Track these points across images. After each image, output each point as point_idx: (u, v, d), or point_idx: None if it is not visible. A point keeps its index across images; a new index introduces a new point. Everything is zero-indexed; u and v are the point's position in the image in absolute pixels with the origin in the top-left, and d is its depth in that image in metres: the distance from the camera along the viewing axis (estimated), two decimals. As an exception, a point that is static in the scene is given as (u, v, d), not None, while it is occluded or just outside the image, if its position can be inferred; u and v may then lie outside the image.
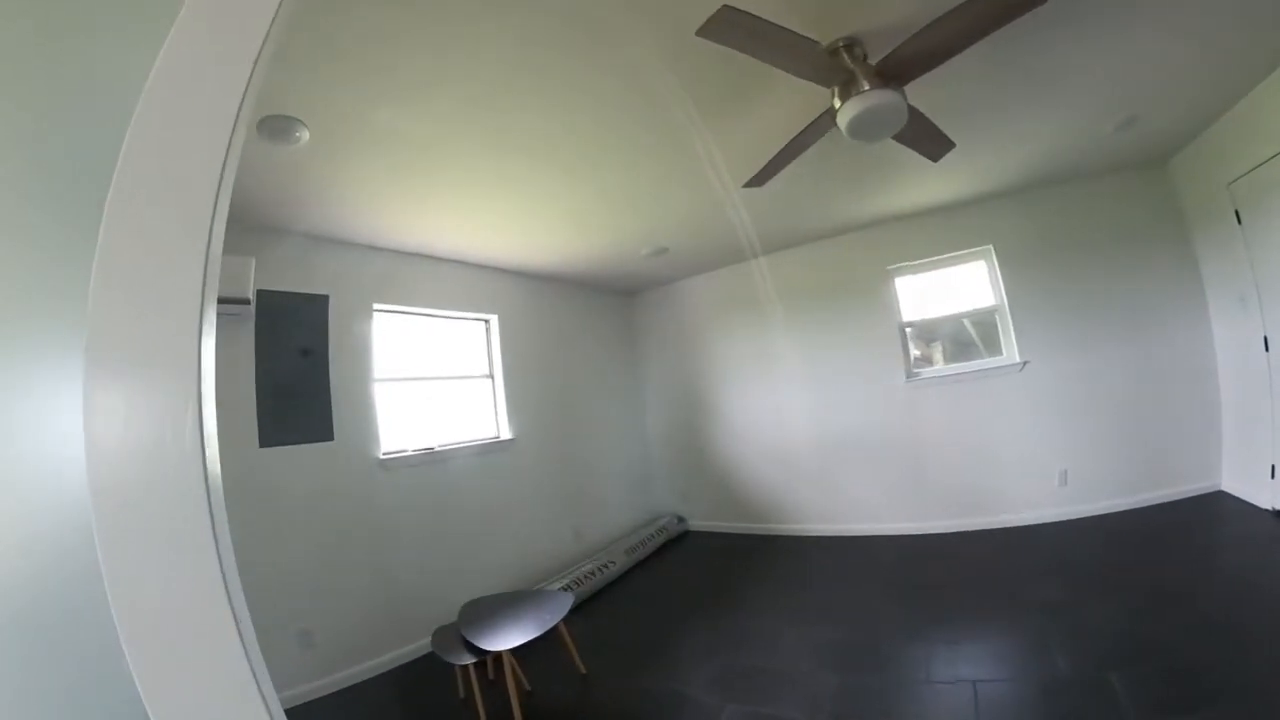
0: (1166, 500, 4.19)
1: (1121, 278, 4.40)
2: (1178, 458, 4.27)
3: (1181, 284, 4.32)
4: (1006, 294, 4.62)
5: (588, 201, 3.52)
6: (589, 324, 5.53)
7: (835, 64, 2.07)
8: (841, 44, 2.23)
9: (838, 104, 2.21)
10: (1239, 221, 3.74)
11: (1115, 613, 2.83)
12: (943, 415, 4.69)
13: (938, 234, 4.81)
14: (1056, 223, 4.54)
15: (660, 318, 6.01)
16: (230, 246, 2.35)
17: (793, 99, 2.54)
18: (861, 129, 2.23)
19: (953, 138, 2.81)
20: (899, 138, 2.56)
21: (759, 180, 2.83)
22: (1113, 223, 4.45)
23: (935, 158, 2.91)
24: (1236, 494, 4.05)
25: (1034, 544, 4.00)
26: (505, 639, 2.49)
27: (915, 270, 4.99)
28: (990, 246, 4.69)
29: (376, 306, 3.64)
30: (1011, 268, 4.62)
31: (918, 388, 4.79)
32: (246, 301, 2.86)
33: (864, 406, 4.89)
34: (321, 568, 3.12)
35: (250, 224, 3.06)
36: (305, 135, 2.35)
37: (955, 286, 4.90)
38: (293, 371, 3.24)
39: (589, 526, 4.83)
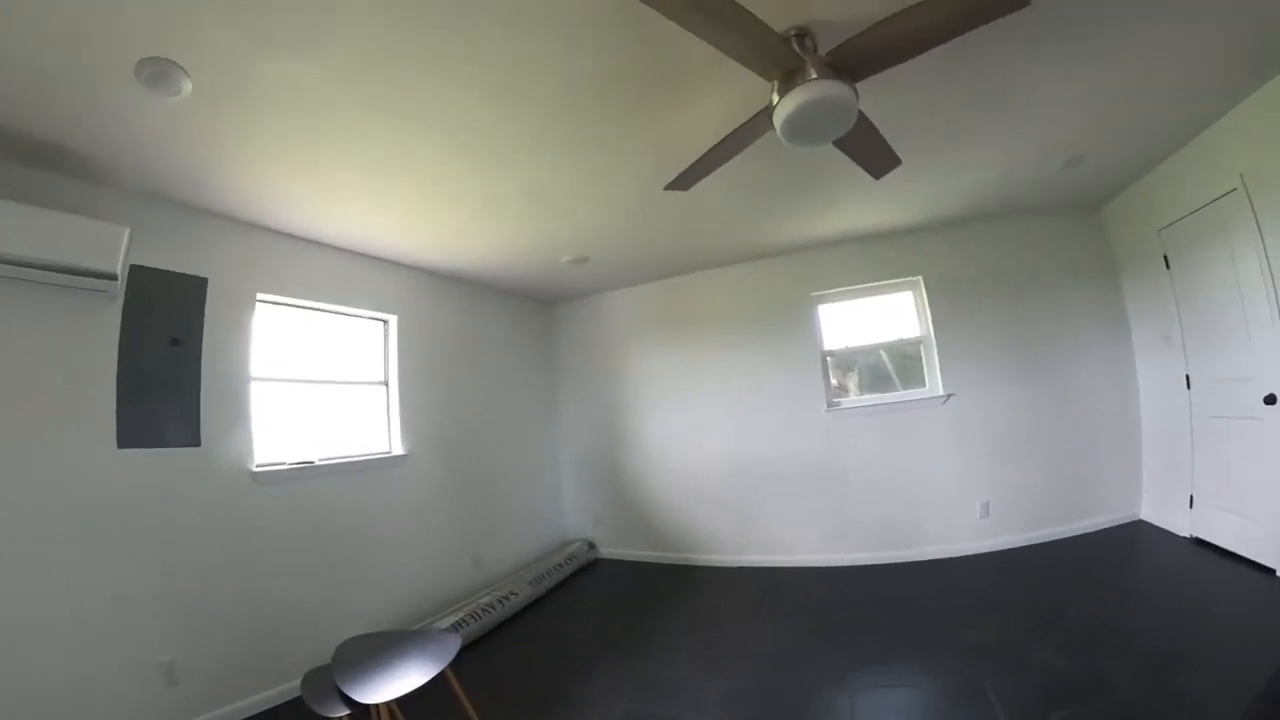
0: (1088, 530, 4.30)
1: (1050, 315, 4.51)
2: (1099, 489, 4.40)
3: (1108, 323, 4.50)
4: (933, 326, 4.61)
5: (504, 196, 3.15)
6: (500, 332, 5.09)
7: (782, 50, 1.83)
8: (792, 33, 2.01)
9: (776, 99, 1.96)
10: (1167, 266, 3.96)
11: (1050, 649, 2.74)
12: (864, 445, 4.58)
13: (866, 262, 4.76)
14: (988, 258, 4.58)
15: (578, 331, 5.66)
16: (105, 211, 1.88)
17: (732, 95, 2.33)
18: (803, 125, 1.97)
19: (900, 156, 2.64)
20: (842, 145, 2.36)
21: (683, 183, 2.55)
22: (1044, 261, 4.56)
23: (878, 174, 2.73)
24: (1155, 523, 4.22)
25: (959, 577, 3.92)
26: (382, 688, 2.12)
27: (840, 298, 4.92)
28: (919, 278, 4.68)
29: (260, 296, 3.18)
30: (940, 300, 4.62)
31: (839, 417, 4.68)
32: (113, 277, 2.43)
33: (784, 435, 4.74)
34: (184, 591, 2.67)
35: (125, 185, 2.64)
36: (188, 86, 2.01)
37: (880, 316, 4.86)
38: (160, 362, 2.79)
39: (490, 553, 4.42)
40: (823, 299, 4.89)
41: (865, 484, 4.52)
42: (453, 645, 2.34)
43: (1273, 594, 2.90)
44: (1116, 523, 4.33)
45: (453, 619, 3.41)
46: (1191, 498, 3.85)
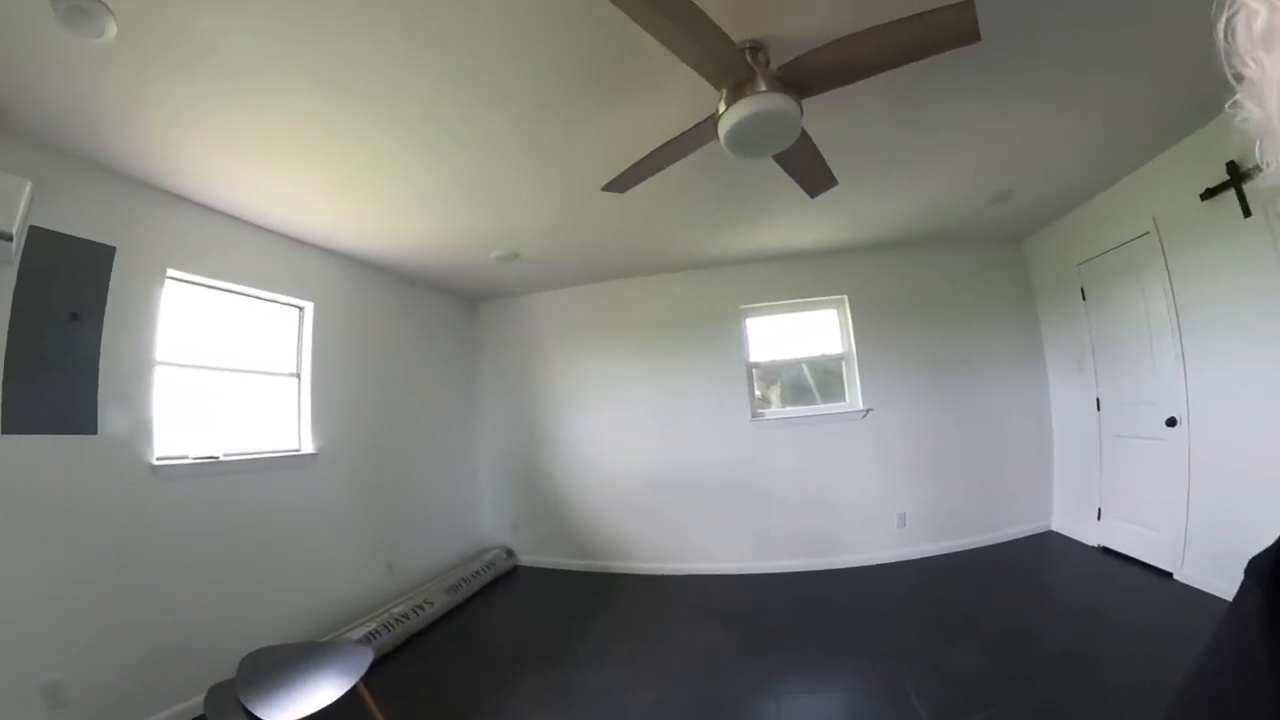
0: (1002, 540, 4.55)
1: (969, 338, 4.79)
2: (1012, 501, 4.68)
3: (1025, 347, 4.85)
4: (856, 343, 4.78)
5: (438, 183, 2.98)
6: (421, 328, 4.80)
7: (736, 59, 1.82)
8: (747, 45, 2.00)
9: (723, 108, 1.96)
10: (1083, 298, 4.29)
11: (970, 652, 2.85)
12: (787, 456, 4.67)
13: (795, 279, 4.87)
14: (912, 281, 4.83)
15: (503, 331, 5.44)
16: (3, 160, 1.64)
17: (680, 101, 2.28)
18: (747, 136, 1.98)
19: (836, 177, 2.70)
20: (782, 161, 2.38)
21: (621, 185, 2.49)
22: (966, 287, 4.85)
23: (814, 193, 2.77)
24: (1065, 533, 4.54)
25: (878, 584, 4.05)
26: (291, 705, 1.99)
27: (768, 312, 5.00)
28: (845, 297, 4.84)
29: (171, 272, 2.92)
30: (864, 319, 4.80)
31: (762, 428, 4.75)
32: (9, 238, 2.15)
33: (709, 443, 4.75)
34: (73, 599, 2.38)
35: (29, 133, 2.31)
36: (112, 29, 1.78)
37: (805, 332, 5.01)
38: (56, 338, 2.52)
39: (405, 561, 4.18)
40: (751, 312, 4.94)
41: (787, 493, 4.60)
42: (365, 658, 2.22)
43: (1171, 594, 3.25)
44: (1029, 533, 4.62)
45: (365, 629, 3.23)
46: (1099, 510, 4.16)
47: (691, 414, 4.79)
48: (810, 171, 2.57)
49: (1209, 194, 3.05)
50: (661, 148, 2.24)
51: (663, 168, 2.37)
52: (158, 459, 2.73)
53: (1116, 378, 4.01)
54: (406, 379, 4.49)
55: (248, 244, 3.28)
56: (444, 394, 4.98)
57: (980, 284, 4.88)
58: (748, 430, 4.72)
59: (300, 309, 3.65)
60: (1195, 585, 3.22)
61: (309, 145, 2.56)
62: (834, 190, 2.82)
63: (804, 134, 2.17)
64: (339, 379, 3.80)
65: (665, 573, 4.58)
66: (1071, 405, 4.51)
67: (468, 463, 5.19)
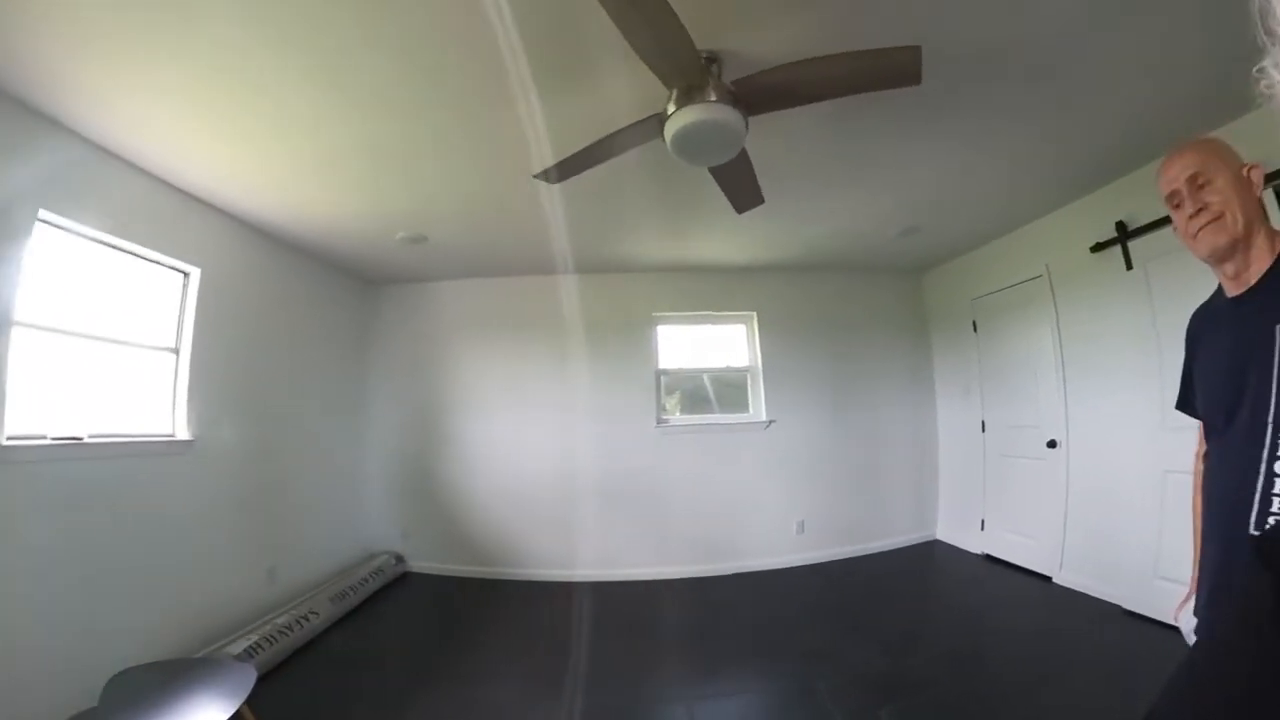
0: (892, 547, 4.88)
1: (868, 359, 5.14)
2: (901, 512, 5.04)
3: (917, 371, 5.29)
4: (762, 358, 4.95)
5: (352, 147, 2.66)
6: (315, 310, 4.31)
7: (693, 62, 1.80)
8: (704, 55, 1.99)
9: (672, 109, 1.95)
10: (975, 330, 4.73)
11: (873, 651, 3.00)
12: (691, 463, 4.72)
13: (709, 291, 4.96)
14: (818, 302, 5.10)
15: (402, 320, 5.02)
16: None
17: (622, 97, 2.20)
18: (693, 142, 1.99)
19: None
20: (717, 173, 2.41)
21: (554, 175, 2.40)
22: (867, 312, 5.21)
23: (742, 209, 2.83)
24: (950, 541, 4.95)
25: (781, 588, 4.18)
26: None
27: (680, 321, 5.04)
28: (755, 313, 5.01)
29: (43, 214, 2.41)
30: (770, 335, 5.00)
31: (668, 435, 4.77)
32: None
33: (614, 448, 4.69)
34: None
35: None
36: None
37: (712, 343, 5.14)
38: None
39: (288, 565, 3.78)
40: (664, 320, 4.98)
41: (691, 500, 4.64)
42: (248, 677, 1.99)
43: (1052, 595, 3.66)
44: (916, 541, 5.00)
45: (246, 643, 2.89)
46: (983, 521, 4.56)
47: (597, 418, 4.71)
48: (742, 187, 2.62)
49: (1098, 247, 3.47)
50: (604, 140, 2.17)
51: (600, 161, 2.30)
52: (8, 438, 2.29)
53: (1002, 403, 4.42)
54: (295, 364, 4.07)
55: (136, 191, 2.81)
56: (334, 384, 4.56)
57: (881, 310, 5.26)
58: (653, 437, 4.73)
59: (185, 275, 3.22)
60: (1072, 587, 3.66)
61: (219, 88, 2.20)
62: (759, 209, 2.91)
63: (743, 150, 2.20)
64: (222, 358, 3.36)
65: (567, 579, 4.47)
66: (958, 426, 4.93)
67: (356, 461, 4.79)
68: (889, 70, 1.81)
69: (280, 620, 3.23)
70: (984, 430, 4.59)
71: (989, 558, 4.42)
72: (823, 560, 4.65)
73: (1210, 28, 1.95)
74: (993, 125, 2.66)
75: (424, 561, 4.73)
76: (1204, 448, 1.18)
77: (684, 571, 4.47)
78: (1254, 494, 0.93)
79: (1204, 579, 1.09)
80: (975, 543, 4.61)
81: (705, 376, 5.08)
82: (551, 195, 3.05)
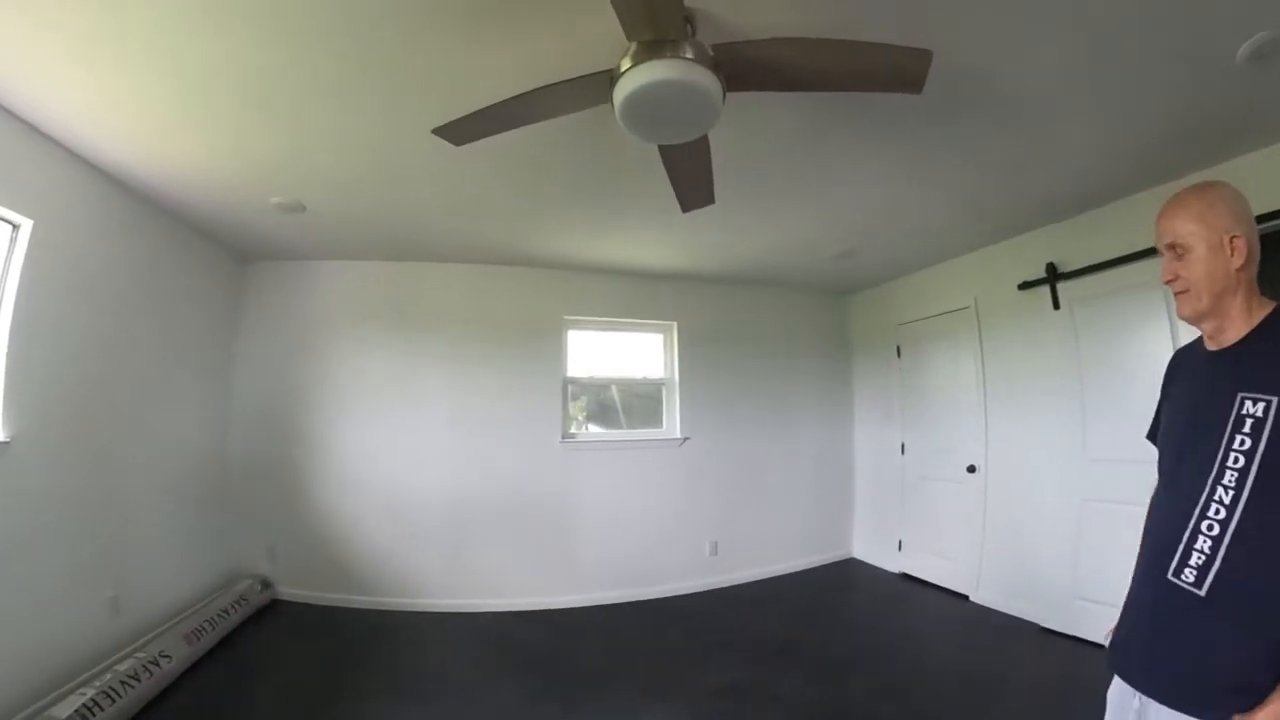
0: (808, 567, 4.82)
1: (788, 378, 5.03)
2: (817, 531, 4.99)
3: (836, 392, 5.28)
4: (679, 371, 4.66)
5: (222, 77, 2.03)
6: (177, 281, 3.51)
7: (671, 8, 1.41)
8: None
9: (627, 65, 1.54)
10: (899, 355, 4.75)
11: (797, 680, 2.86)
12: (599, 481, 4.33)
13: (627, 297, 4.60)
14: (741, 318, 4.91)
15: (280, 304, 4.17)
16: None
17: (568, 43, 1.78)
18: (651, 110, 1.60)
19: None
20: (671, 160, 2.06)
21: (458, 132, 1.87)
22: (791, 331, 5.11)
23: (688, 206, 2.51)
24: (866, 560, 4.97)
25: (694, 614, 3.91)
26: None
27: (593, 326, 4.61)
28: (675, 323, 4.72)
29: None
30: (690, 347, 4.72)
31: (574, 450, 4.32)
32: None
33: (514, 463, 4.19)
34: None
35: None
36: None
37: (627, 352, 4.76)
38: None
39: (134, 594, 3.02)
40: (576, 324, 4.52)
41: (598, 521, 4.26)
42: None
43: (970, 613, 3.74)
44: (832, 560, 4.96)
45: (79, 701, 2.18)
46: (900, 541, 4.59)
47: (495, 430, 4.18)
48: (694, 181, 2.28)
49: (1026, 285, 3.59)
50: (530, 96, 1.71)
51: (520, 124, 1.85)
52: None
53: (923, 427, 4.46)
54: (148, 350, 3.24)
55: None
56: (194, 376, 3.73)
57: (805, 330, 5.19)
58: (558, 452, 4.28)
59: (14, 227, 2.40)
60: (989, 605, 3.74)
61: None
62: (698, 213, 2.69)
63: (706, 138, 1.89)
64: (52, 336, 2.52)
65: (461, 609, 3.93)
66: (877, 447, 4.96)
67: (217, 468, 3.95)
68: (892, 72, 1.59)
69: (124, 666, 2.51)
70: (903, 452, 4.63)
71: (906, 576, 4.45)
72: (737, 582, 4.47)
73: (1175, 90, 2.08)
74: (949, 159, 2.64)
75: (295, 588, 3.97)
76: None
77: (591, 599, 4.08)
78: (1178, 543, 1.00)
79: (1125, 607, 1.16)
80: (893, 562, 4.62)
81: (614, 388, 4.69)
82: (452, 166, 2.58)
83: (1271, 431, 0.91)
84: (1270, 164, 2.48)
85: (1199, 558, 0.96)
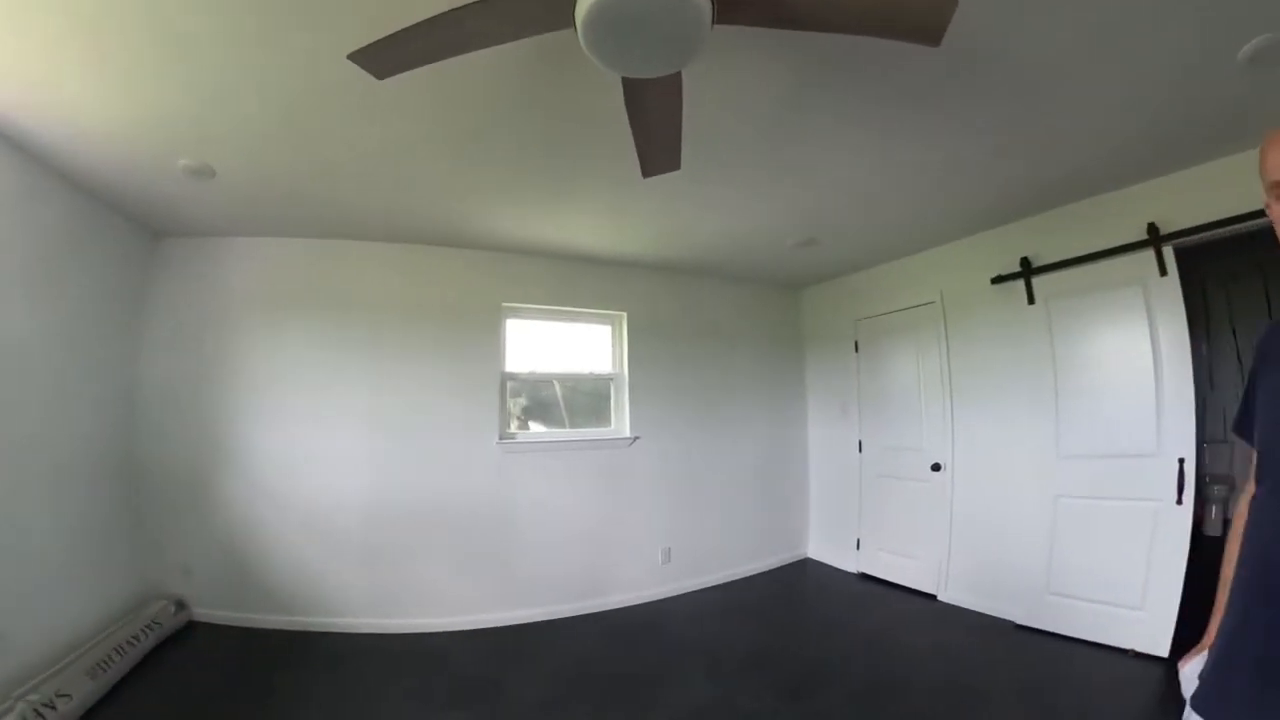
0: (764, 569, 4.63)
1: (742, 374, 4.79)
2: (772, 532, 4.80)
3: (791, 389, 5.11)
4: (629, 365, 4.31)
5: (96, 18, 1.64)
6: (79, 258, 2.97)
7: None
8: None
9: None
10: (857, 350, 4.63)
11: (767, 695, 2.66)
12: (541, 486, 3.95)
13: (573, 284, 4.20)
14: (695, 310, 4.61)
15: (190, 286, 3.59)
16: None
17: None
18: (625, 27, 1.27)
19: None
20: (639, 108, 1.73)
21: (379, 60, 1.50)
22: (746, 325, 4.88)
23: (650, 170, 2.17)
24: (822, 560, 4.84)
25: (649, 627, 3.62)
26: None
27: (535, 315, 4.16)
28: (624, 314, 4.36)
29: None
30: (640, 340, 4.37)
31: (513, 452, 3.89)
32: None
33: (447, 468, 3.75)
34: None
35: None
36: None
37: (573, 344, 4.32)
38: None
39: (25, 623, 2.47)
40: (515, 312, 4.07)
41: (541, 529, 3.89)
42: None
43: (940, 612, 3.65)
44: (787, 561, 4.80)
45: None
46: (859, 541, 4.48)
47: (425, 430, 3.72)
48: (661, 139, 1.94)
49: (1000, 280, 3.48)
50: (467, 10, 1.32)
51: (457, 50, 1.47)
52: None
53: (882, 424, 4.34)
54: (40, 330, 2.63)
55: None
56: (96, 364, 3.14)
57: (759, 323, 4.96)
58: (494, 454, 3.84)
59: None
60: (957, 604, 3.67)
61: None
62: (656, 189, 2.56)
63: (679, 85, 1.59)
64: None
65: (393, 630, 3.48)
66: (833, 445, 4.82)
67: (121, 476, 3.32)
68: (912, 17, 1.37)
69: (13, 715, 2.00)
70: (861, 450, 4.50)
71: (865, 576, 4.35)
72: (692, 589, 4.21)
73: (1172, 83, 2.04)
74: (931, 141, 2.48)
75: (213, 608, 3.43)
76: (1254, 488, 0.96)
77: (536, 615, 3.71)
78: None
79: (1217, 640, 0.95)
80: (850, 562, 4.51)
81: (556, 384, 4.26)
82: (377, 125, 2.21)
83: None
84: (1254, 165, 2.43)
85: None
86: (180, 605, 3.38)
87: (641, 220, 3.42)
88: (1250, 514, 0.95)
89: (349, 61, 1.53)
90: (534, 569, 3.80)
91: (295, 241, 3.62)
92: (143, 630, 2.98)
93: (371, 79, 1.57)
